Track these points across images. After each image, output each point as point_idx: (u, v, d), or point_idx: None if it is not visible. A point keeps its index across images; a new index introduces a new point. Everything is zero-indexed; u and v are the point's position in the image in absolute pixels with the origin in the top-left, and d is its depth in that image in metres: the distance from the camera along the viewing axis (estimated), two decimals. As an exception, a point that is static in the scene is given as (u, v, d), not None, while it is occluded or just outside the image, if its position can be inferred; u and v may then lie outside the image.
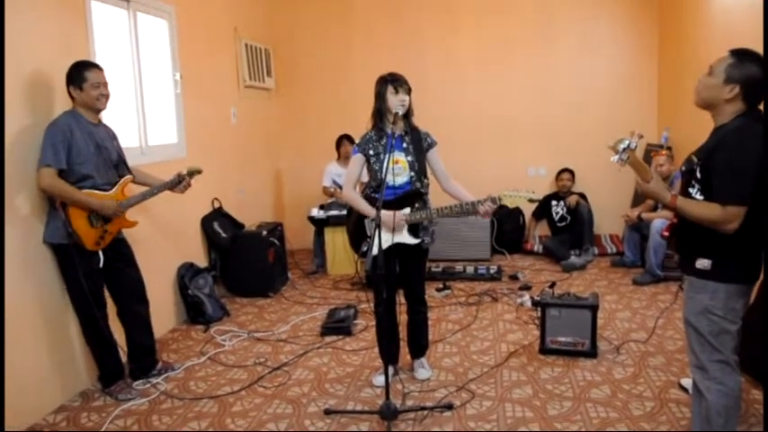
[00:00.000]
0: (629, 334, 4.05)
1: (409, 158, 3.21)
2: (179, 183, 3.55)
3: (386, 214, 3.07)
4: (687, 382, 3.18)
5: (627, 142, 2.28)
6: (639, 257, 5.61)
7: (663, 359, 3.64)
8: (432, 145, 3.29)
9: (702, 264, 2.25)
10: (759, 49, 2.23)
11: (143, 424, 3.12)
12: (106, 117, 3.60)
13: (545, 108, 6.65)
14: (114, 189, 3.33)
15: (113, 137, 3.46)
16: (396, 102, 3.12)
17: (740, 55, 2.20)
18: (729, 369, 2.30)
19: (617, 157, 2.31)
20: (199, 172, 3.65)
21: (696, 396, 2.41)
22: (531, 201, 3.09)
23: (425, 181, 3.27)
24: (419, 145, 3.23)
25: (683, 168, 2.39)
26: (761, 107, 2.24)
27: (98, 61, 3.47)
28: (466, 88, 6.73)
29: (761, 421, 2.87)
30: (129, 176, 3.46)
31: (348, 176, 3.35)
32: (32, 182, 3.12)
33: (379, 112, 3.22)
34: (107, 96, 3.27)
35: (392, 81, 3.15)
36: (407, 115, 3.21)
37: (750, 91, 2.18)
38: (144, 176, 3.67)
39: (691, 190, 2.29)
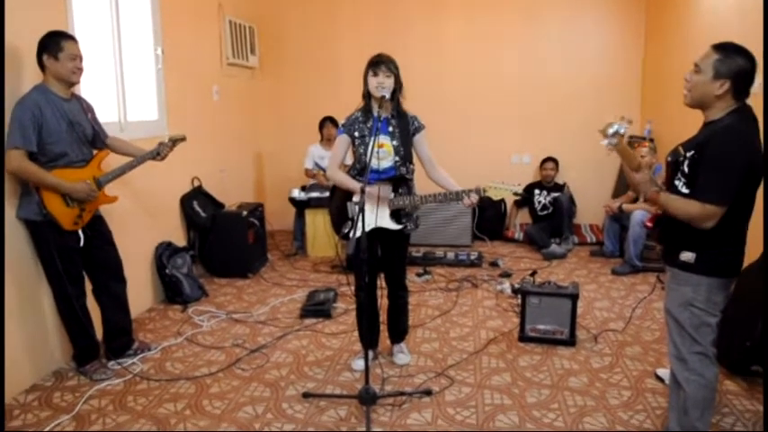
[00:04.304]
0: (608, 323, 4.09)
1: (394, 143, 3.16)
2: (159, 153, 3.47)
3: (371, 187, 3.03)
4: (663, 372, 3.22)
5: (616, 127, 2.28)
6: (619, 248, 5.66)
7: (640, 349, 3.68)
8: (419, 129, 3.23)
9: (686, 257, 2.26)
10: (744, 43, 2.22)
11: (118, 405, 3.07)
12: (84, 91, 3.50)
13: (530, 96, 6.64)
14: (89, 165, 3.24)
15: (88, 109, 3.33)
16: (374, 84, 3.06)
17: (726, 49, 2.19)
18: (708, 361, 2.32)
19: (606, 141, 2.30)
20: (182, 139, 3.56)
21: (674, 387, 2.44)
22: (515, 194, 3.07)
23: (411, 167, 3.23)
24: (406, 129, 3.18)
25: (669, 159, 2.39)
26: (749, 102, 2.24)
27: (76, 33, 3.36)
28: (451, 73, 6.68)
29: (733, 411, 2.93)
30: (103, 151, 3.36)
31: (333, 157, 3.30)
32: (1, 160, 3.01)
33: (365, 95, 3.17)
34: (82, 70, 3.15)
35: (372, 63, 3.09)
36: (395, 98, 3.14)
37: (740, 85, 2.18)
38: (124, 146, 3.55)
39: (677, 182, 2.29)
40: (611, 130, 2.26)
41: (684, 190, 2.24)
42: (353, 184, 3.13)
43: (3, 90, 2.93)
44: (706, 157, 2.16)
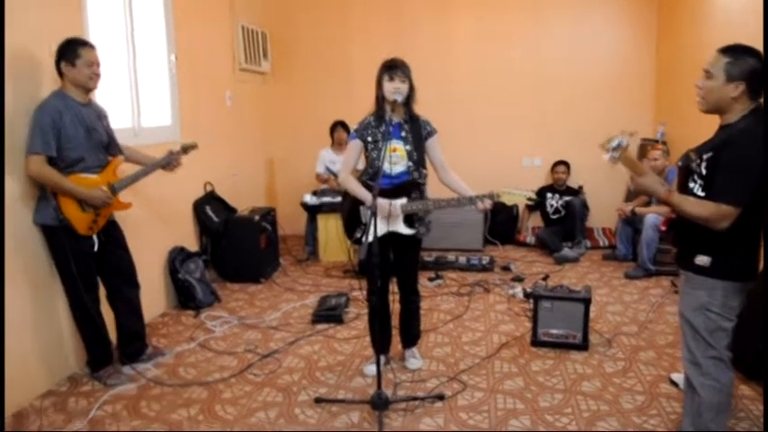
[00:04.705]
0: (621, 327, 4.06)
1: (407, 147, 3.16)
2: (170, 161, 3.49)
3: (381, 204, 3.04)
4: (677, 377, 3.19)
5: (617, 141, 2.28)
6: (631, 251, 5.62)
7: (653, 353, 3.65)
8: (431, 133, 3.24)
9: (702, 260, 2.24)
10: (760, 41, 2.21)
11: (132, 409, 3.09)
12: (99, 97, 3.53)
13: (541, 99, 6.61)
14: (104, 171, 3.27)
15: (103, 116, 3.36)
16: (390, 89, 3.08)
17: (734, 51, 2.18)
18: (723, 366, 2.30)
19: (608, 155, 2.31)
20: (194, 147, 3.59)
21: (688, 391, 2.42)
22: (529, 199, 3.06)
23: (423, 171, 3.23)
24: (418, 134, 3.18)
25: (680, 164, 2.38)
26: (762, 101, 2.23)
27: (92, 39, 3.40)
28: (461, 75, 6.68)
29: (749, 416, 2.90)
30: (119, 157, 3.40)
31: (345, 162, 3.30)
32: (21, 164, 3.04)
33: (378, 99, 3.18)
34: (99, 76, 3.19)
35: (387, 68, 3.10)
36: (408, 103, 3.15)
37: (755, 84, 2.17)
38: (135, 154, 3.60)
39: (692, 185, 2.28)
40: (612, 144, 2.27)
41: (700, 193, 2.23)
42: (365, 194, 3.14)
43: (2, 93, 2.95)
44: (724, 160, 2.14)
